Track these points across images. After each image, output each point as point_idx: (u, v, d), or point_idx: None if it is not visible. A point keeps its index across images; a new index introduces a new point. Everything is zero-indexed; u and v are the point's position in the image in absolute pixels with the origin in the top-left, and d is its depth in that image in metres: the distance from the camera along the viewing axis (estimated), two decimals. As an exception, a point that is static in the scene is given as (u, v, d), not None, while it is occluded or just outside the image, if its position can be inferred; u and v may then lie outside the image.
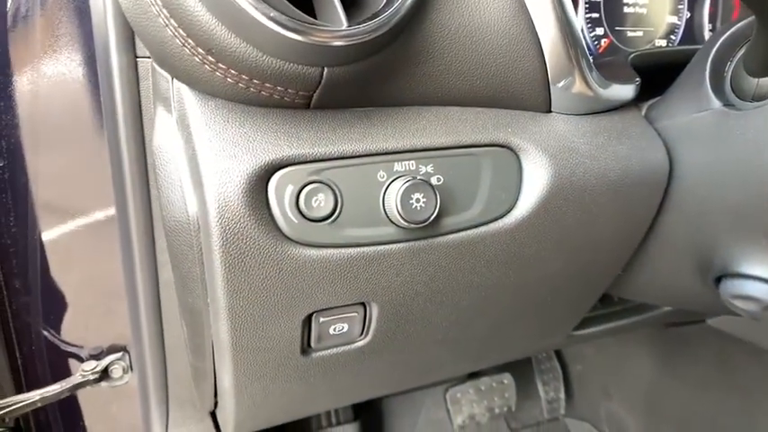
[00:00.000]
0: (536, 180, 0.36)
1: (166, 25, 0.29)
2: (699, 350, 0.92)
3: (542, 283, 0.42)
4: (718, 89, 0.36)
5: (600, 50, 0.55)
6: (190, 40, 0.29)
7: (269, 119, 0.31)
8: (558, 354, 1.17)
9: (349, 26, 0.28)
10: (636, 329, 0.66)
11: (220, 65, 0.29)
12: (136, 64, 0.39)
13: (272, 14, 0.26)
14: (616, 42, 0.56)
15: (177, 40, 0.29)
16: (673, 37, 0.59)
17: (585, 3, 0.54)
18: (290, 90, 0.30)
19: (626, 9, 0.56)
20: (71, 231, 0.50)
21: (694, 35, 0.60)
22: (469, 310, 0.40)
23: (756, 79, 0.34)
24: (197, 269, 0.33)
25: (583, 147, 0.37)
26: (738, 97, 0.35)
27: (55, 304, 0.55)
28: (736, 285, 0.37)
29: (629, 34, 0.56)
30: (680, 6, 0.59)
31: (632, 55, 0.44)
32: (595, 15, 0.54)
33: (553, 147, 0.36)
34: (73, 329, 0.56)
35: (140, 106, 0.40)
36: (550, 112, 0.38)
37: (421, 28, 0.33)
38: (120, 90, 0.39)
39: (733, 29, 0.38)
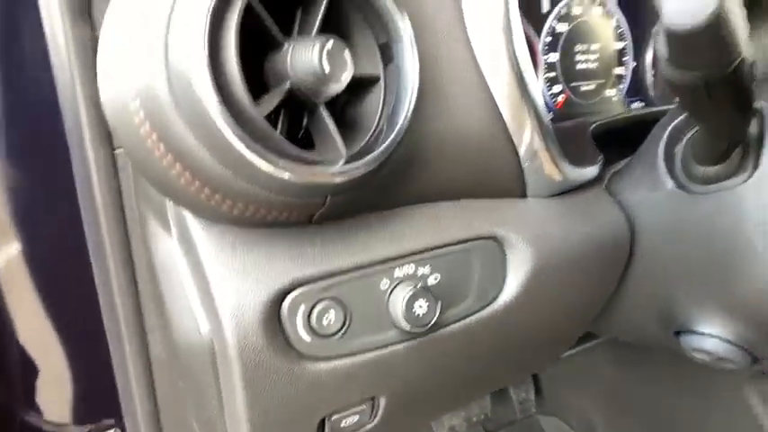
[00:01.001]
0: (518, 266, 0.39)
1: (171, 167, 0.30)
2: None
3: (528, 341, 0.46)
4: (670, 171, 0.41)
5: (558, 106, 0.60)
6: (197, 182, 0.30)
7: (274, 240, 0.33)
8: (527, 359, 1.23)
9: (349, 157, 0.30)
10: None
11: (227, 200, 0.30)
12: (114, 157, 0.39)
13: (281, 164, 0.28)
14: (572, 96, 0.60)
15: (182, 180, 0.30)
16: (621, 86, 0.64)
17: (544, 63, 0.58)
18: (294, 214, 0.32)
19: (579, 66, 0.60)
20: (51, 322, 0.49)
21: (640, 82, 0.65)
22: (465, 377, 0.44)
23: (703, 165, 0.39)
24: (213, 387, 0.34)
25: (556, 230, 0.40)
26: (689, 179, 0.40)
27: (36, 384, 0.54)
28: (693, 340, 0.42)
29: (583, 88, 0.61)
30: (625, 59, 0.64)
31: (593, 126, 0.48)
32: (552, 74, 0.58)
33: (531, 233, 0.39)
34: (58, 410, 0.55)
35: (122, 201, 0.40)
36: (526, 196, 0.42)
37: (412, 139, 0.35)
38: (98, 188, 0.39)
39: (684, 115, 0.42)
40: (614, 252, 0.43)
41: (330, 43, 0.28)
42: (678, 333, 0.44)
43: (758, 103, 0.37)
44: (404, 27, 0.32)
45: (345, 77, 0.29)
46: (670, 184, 0.40)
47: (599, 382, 1.16)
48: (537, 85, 0.40)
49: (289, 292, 0.32)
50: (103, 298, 0.43)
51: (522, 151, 0.40)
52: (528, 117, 0.39)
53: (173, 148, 0.29)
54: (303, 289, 0.32)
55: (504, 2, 0.38)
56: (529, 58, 0.39)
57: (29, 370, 0.51)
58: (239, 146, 0.27)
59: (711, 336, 0.41)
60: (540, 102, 0.40)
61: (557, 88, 0.59)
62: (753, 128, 0.37)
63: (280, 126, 0.31)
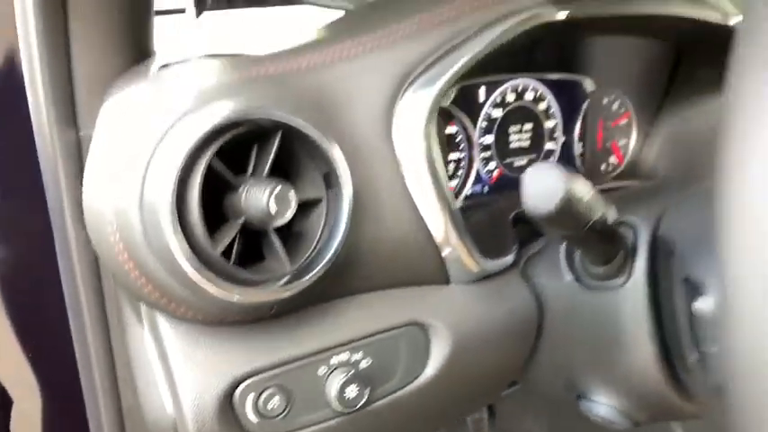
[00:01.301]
0: (440, 347, 0.46)
1: (144, 287, 0.36)
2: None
3: (455, 402, 0.53)
4: (570, 265, 0.49)
5: (492, 181, 0.67)
6: (165, 299, 0.36)
7: (230, 337, 0.39)
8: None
9: (292, 274, 0.37)
10: None
11: (190, 311, 0.37)
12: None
13: (232, 290, 0.34)
14: (506, 171, 0.68)
15: (153, 296, 0.36)
16: (551, 159, 0.72)
17: (479, 145, 0.65)
18: (249, 318, 0.39)
19: (512, 145, 0.68)
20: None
21: (569, 154, 0.73)
22: None
23: (595, 263, 0.47)
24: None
25: (474, 314, 0.48)
26: (585, 273, 0.48)
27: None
28: (589, 405, 0.50)
29: (516, 164, 0.69)
30: (555, 135, 0.72)
31: (513, 214, 0.56)
32: (488, 154, 0.66)
33: (452, 319, 0.47)
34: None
35: (101, 285, 0.46)
36: (449, 283, 0.49)
37: (349, 245, 0.42)
38: (80, 271, 0.44)
39: None
40: (524, 329, 0.51)
41: (278, 189, 0.35)
42: (579, 397, 0.52)
43: (630, 218, 0.45)
44: (339, 161, 0.39)
45: (290, 213, 0.36)
46: (569, 276, 0.48)
47: (545, 405, 1.26)
48: (450, 194, 0.47)
49: (241, 382, 0.39)
50: (80, 354, 0.48)
51: (442, 247, 0.47)
52: (444, 218, 0.46)
53: (145, 273, 0.35)
54: (253, 379, 0.39)
55: (423, 127, 0.44)
56: (443, 168, 0.46)
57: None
58: (197, 278, 0.33)
59: (601, 403, 0.49)
60: (454, 206, 0.47)
61: (492, 165, 0.67)
62: (630, 237, 0.45)
63: (235, 247, 0.38)
